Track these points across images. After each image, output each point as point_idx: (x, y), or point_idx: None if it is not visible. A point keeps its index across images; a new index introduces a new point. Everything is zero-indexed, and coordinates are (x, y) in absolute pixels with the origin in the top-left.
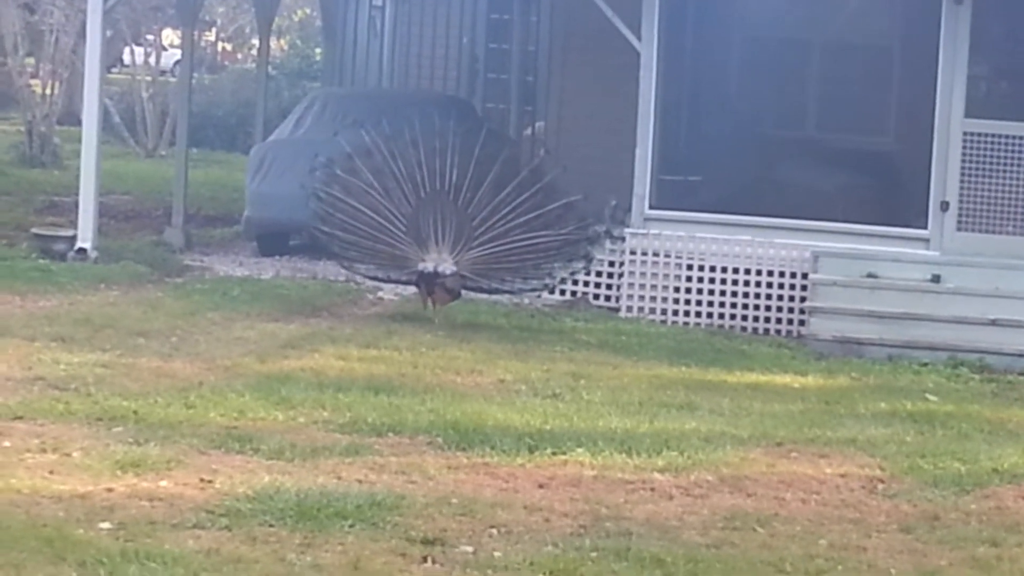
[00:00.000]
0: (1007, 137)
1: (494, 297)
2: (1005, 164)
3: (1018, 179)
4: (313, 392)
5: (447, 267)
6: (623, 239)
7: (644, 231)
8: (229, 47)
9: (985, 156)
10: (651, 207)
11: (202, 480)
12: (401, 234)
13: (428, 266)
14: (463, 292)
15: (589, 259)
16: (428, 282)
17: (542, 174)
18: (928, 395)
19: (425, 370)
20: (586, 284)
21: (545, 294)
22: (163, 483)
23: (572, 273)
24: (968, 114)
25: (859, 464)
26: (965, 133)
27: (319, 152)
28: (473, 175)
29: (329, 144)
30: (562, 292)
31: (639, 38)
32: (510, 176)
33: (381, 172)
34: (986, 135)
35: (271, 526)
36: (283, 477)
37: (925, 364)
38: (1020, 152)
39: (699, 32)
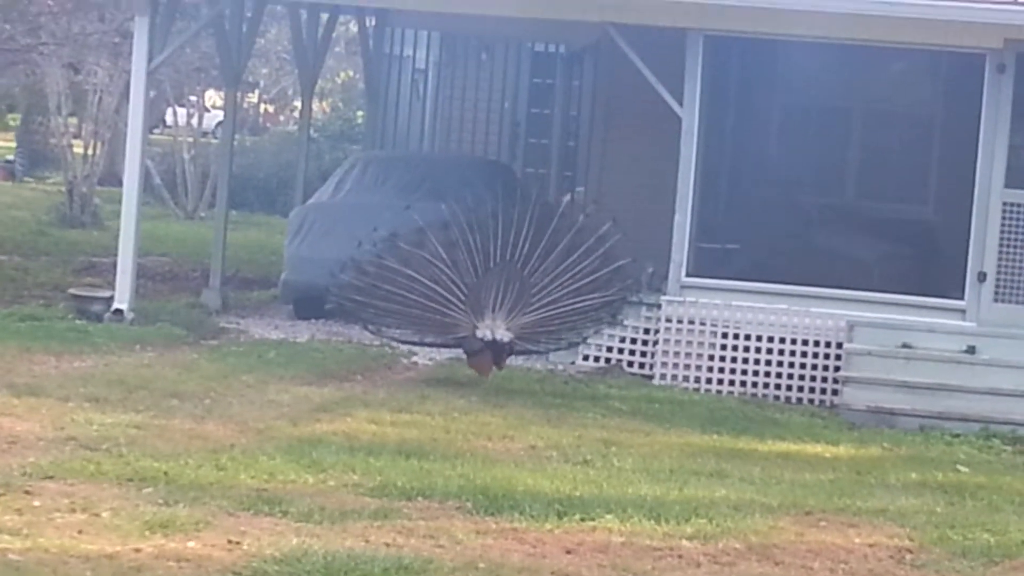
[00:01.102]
0: None
1: (528, 363)
2: None
3: None
4: (344, 456)
5: (503, 334)
6: (659, 306)
7: (680, 299)
8: (271, 109)
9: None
10: (688, 275)
11: (230, 542)
12: (458, 302)
13: (486, 333)
14: None
15: (616, 322)
16: (496, 351)
17: (605, 240)
18: (959, 466)
19: (457, 435)
20: (620, 351)
21: (579, 360)
22: (191, 544)
23: (597, 334)
24: (1008, 184)
25: (888, 534)
26: (1005, 203)
27: (377, 224)
28: (545, 245)
29: (393, 215)
30: (596, 359)
31: (681, 104)
32: (575, 243)
33: (454, 245)
34: None
35: None
36: (311, 540)
37: (957, 435)
38: None
39: (741, 98)
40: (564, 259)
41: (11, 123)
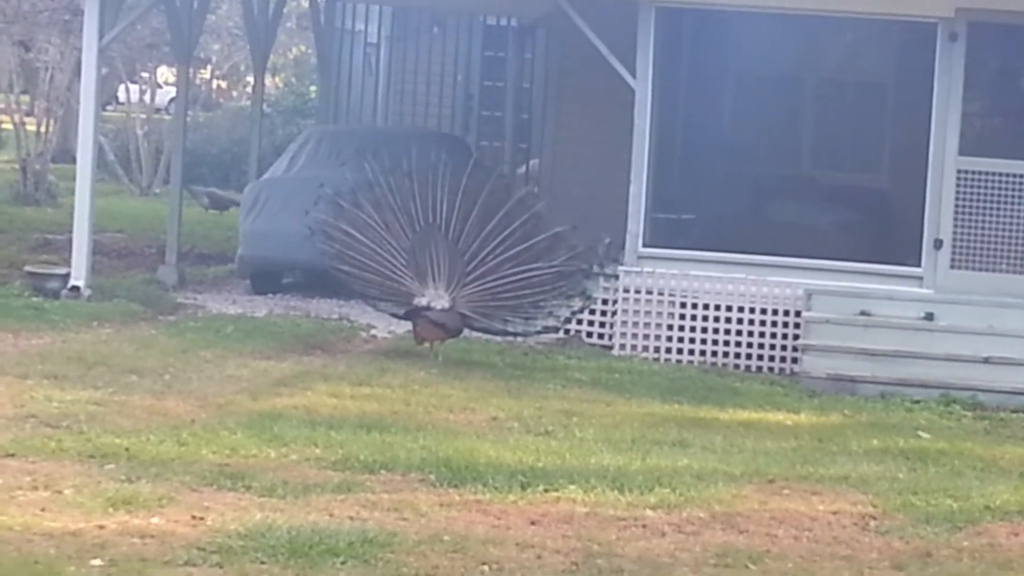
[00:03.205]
0: (1001, 175)
1: (487, 336)
2: (999, 202)
3: (1012, 217)
4: (305, 430)
5: (441, 303)
6: (617, 277)
7: (638, 269)
8: (224, 85)
9: (979, 194)
10: (645, 245)
11: (194, 517)
12: (403, 269)
13: (422, 300)
14: (467, 332)
15: (587, 296)
16: (414, 315)
17: (529, 205)
18: (920, 432)
19: (418, 407)
20: (579, 322)
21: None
22: (155, 520)
23: (573, 312)
24: (962, 152)
25: (851, 501)
26: (959, 171)
27: (324, 184)
28: (461, 207)
29: (334, 178)
30: (556, 330)
31: (634, 75)
32: (497, 208)
33: (381, 205)
34: (980, 173)
35: (263, 563)
36: (275, 514)
37: (918, 401)
38: (1014, 189)
39: (694, 69)
40: (484, 223)
41: None
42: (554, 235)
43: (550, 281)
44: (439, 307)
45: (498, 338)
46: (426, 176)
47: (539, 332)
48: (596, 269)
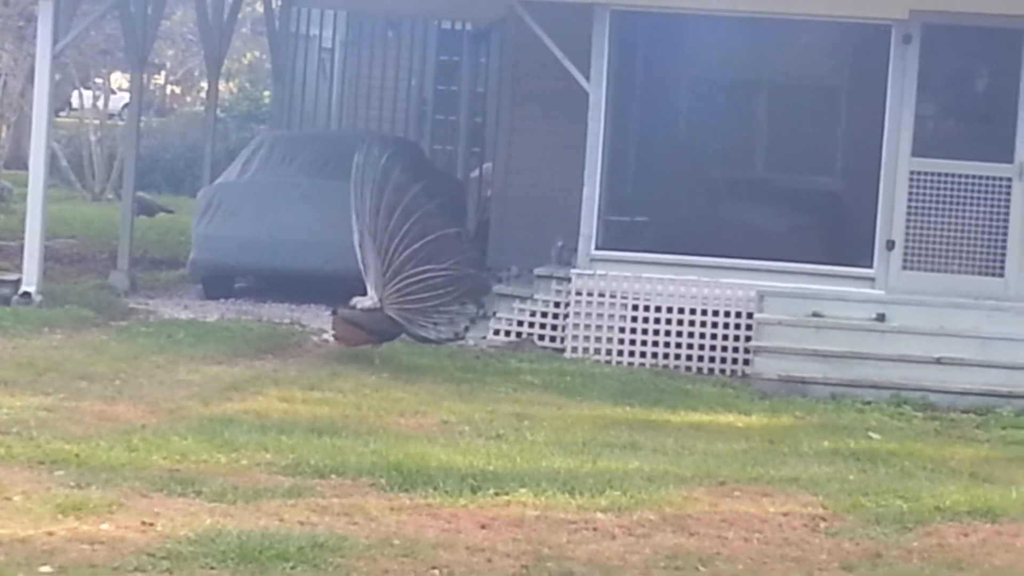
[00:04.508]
0: (953, 176)
1: (442, 340)
2: (951, 203)
3: (963, 217)
4: (256, 434)
5: (365, 303)
6: (568, 280)
7: (590, 271)
8: (178, 90)
9: (931, 195)
10: (597, 247)
11: (144, 523)
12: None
13: (352, 301)
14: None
15: (480, 304)
16: (358, 320)
17: (422, 203)
18: (871, 433)
19: (368, 412)
20: (531, 325)
21: (490, 335)
22: (104, 526)
23: (471, 320)
24: (915, 153)
25: (802, 503)
26: (912, 172)
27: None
28: (379, 206)
29: (298, 193)
30: (507, 333)
31: (588, 78)
32: (396, 206)
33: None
34: (933, 174)
35: (212, 568)
36: (225, 519)
37: (868, 403)
38: (965, 191)
39: (647, 72)
40: (388, 221)
41: None
42: (442, 236)
43: (442, 285)
44: (361, 307)
45: (447, 343)
46: (358, 176)
47: (444, 340)
48: (483, 275)
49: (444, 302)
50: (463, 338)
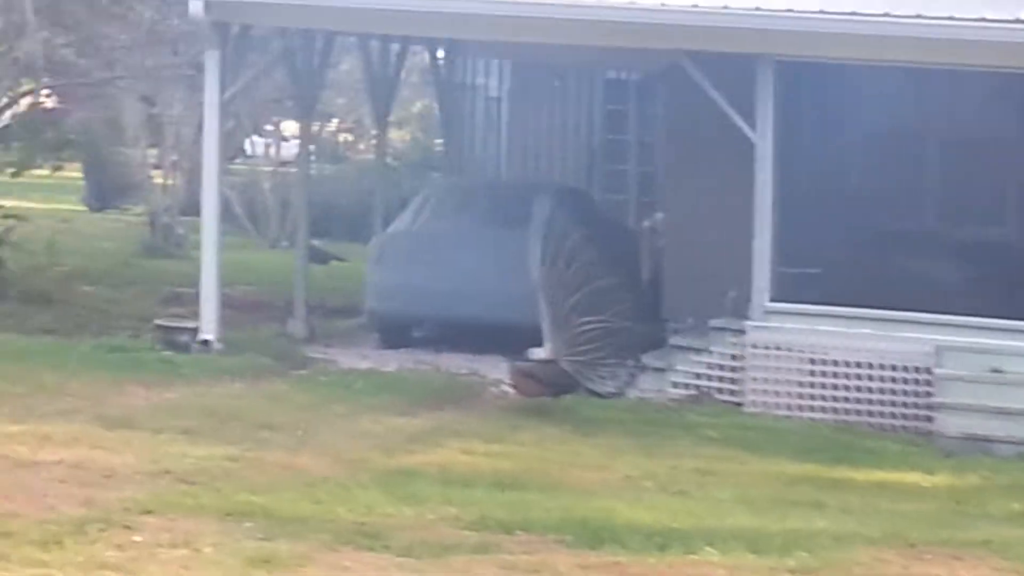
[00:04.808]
0: None
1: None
2: None
3: None
4: (439, 488)
5: (539, 353)
6: (743, 332)
7: (765, 324)
8: (351, 138)
9: None
10: (771, 299)
11: None
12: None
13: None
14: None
15: (637, 359)
16: (532, 373)
17: (579, 252)
18: None
19: (551, 465)
20: (709, 378)
21: (669, 388)
22: None
23: (631, 375)
24: None
25: (994, 567)
26: None
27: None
28: (549, 256)
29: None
30: (686, 386)
31: (754, 128)
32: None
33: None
34: None
35: None
36: (414, 574)
37: None
38: None
39: (815, 122)
40: (554, 272)
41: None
42: (601, 287)
43: (600, 337)
44: (536, 358)
45: (611, 398)
46: (534, 225)
47: (609, 394)
48: (639, 328)
49: (606, 354)
50: (623, 393)
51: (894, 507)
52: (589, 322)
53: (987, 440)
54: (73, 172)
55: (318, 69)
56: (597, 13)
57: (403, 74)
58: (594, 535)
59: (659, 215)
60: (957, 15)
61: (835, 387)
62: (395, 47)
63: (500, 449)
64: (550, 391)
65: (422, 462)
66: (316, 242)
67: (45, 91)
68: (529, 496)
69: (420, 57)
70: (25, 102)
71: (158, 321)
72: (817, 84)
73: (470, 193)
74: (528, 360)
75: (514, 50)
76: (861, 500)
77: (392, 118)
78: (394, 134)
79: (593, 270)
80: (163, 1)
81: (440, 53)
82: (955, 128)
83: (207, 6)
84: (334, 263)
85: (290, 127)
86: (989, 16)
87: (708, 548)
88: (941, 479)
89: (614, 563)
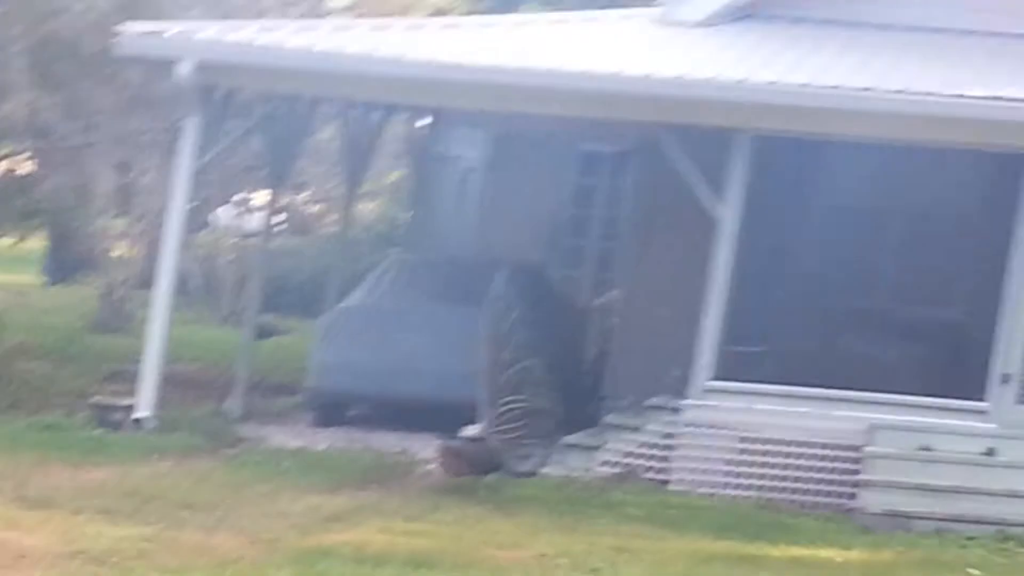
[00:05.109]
0: None
1: (545, 470)
2: None
3: None
4: (351, 567)
5: (471, 431)
6: (679, 411)
7: (702, 402)
8: (320, 209)
9: None
10: (713, 378)
11: None
12: None
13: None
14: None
15: (551, 441)
16: (458, 452)
17: (507, 330)
18: (971, 570)
19: (467, 544)
20: (639, 456)
21: (597, 467)
22: None
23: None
24: None
25: None
26: None
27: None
28: (489, 338)
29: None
30: (614, 464)
31: (721, 203)
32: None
33: None
34: None
35: None
36: None
37: (972, 538)
38: None
39: (775, 198)
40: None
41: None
42: (523, 368)
43: (520, 417)
44: (467, 435)
45: (554, 472)
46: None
47: (524, 474)
48: (556, 411)
49: (523, 434)
50: (536, 473)
51: None
52: (511, 401)
53: (908, 516)
54: (38, 241)
55: (296, 137)
56: (582, 82)
57: (381, 144)
58: None
59: (614, 292)
60: (936, 91)
61: (763, 465)
62: (376, 116)
63: (419, 528)
64: (477, 470)
65: (338, 541)
66: (268, 317)
67: (22, 155)
68: (441, 574)
69: (401, 127)
70: (1, 166)
71: (93, 399)
72: (786, 160)
73: (423, 269)
74: (459, 438)
75: (496, 120)
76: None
77: (365, 189)
78: (365, 206)
79: (524, 350)
80: (151, 63)
81: (420, 122)
82: (912, 205)
83: (197, 68)
84: (275, 339)
85: (260, 197)
86: (967, 93)
87: None
88: (855, 555)
89: None
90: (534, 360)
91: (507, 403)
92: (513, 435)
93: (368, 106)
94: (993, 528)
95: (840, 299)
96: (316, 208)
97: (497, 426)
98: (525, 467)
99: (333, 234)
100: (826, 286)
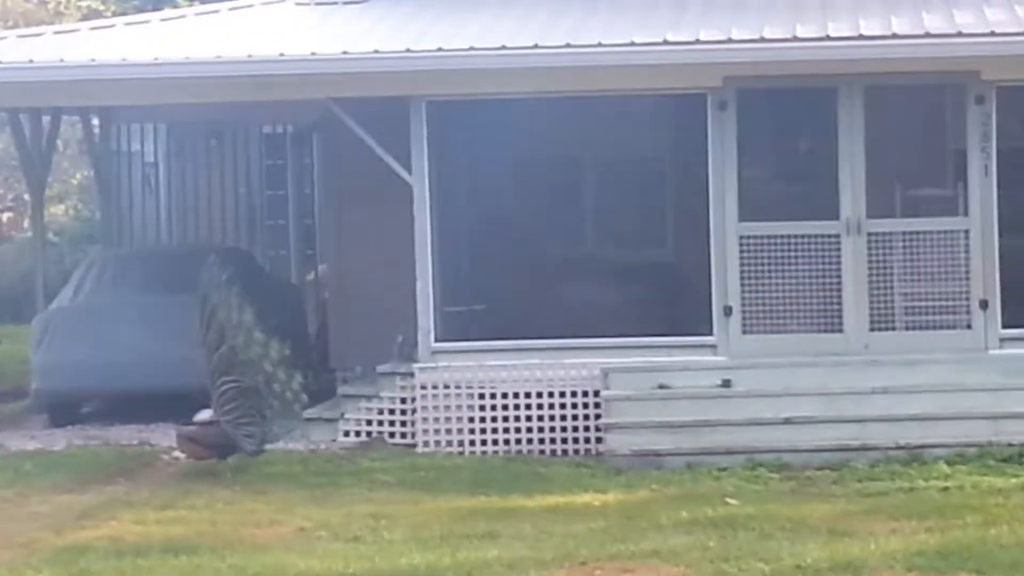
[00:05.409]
0: (782, 237)
1: (290, 446)
2: (783, 264)
3: (797, 277)
4: (112, 560)
5: (203, 415)
6: (412, 375)
7: (432, 364)
8: (11, 216)
9: (763, 258)
10: (437, 340)
11: None
12: None
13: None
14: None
15: (263, 416)
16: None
17: (212, 313)
18: (728, 499)
19: (223, 526)
20: (380, 423)
21: (340, 437)
22: None
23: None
24: (742, 217)
25: (664, 575)
26: (741, 237)
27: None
28: (202, 321)
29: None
30: (357, 434)
31: (410, 172)
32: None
33: None
34: (762, 237)
35: None
36: None
37: (724, 469)
38: (796, 250)
39: (469, 160)
40: (204, 335)
41: None
42: (229, 349)
43: (235, 397)
44: (199, 420)
45: (300, 447)
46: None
47: (253, 453)
48: (261, 389)
49: (241, 413)
50: (262, 451)
51: (566, 529)
52: (225, 382)
53: (657, 455)
54: None
55: None
56: (246, 68)
57: (60, 145)
58: None
59: (323, 267)
60: (606, 41)
61: (505, 419)
62: (47, 119)
63: (172, 515)
64: (215, 453)
65: (93, 536)
66: None
67: None
68: (201, 559)
69: (75, 127)
70: None
71: None
72: (470, 121)
73: (127, 263)
74: (193, 423)
75: (168, 113)
76: (533, 526)
77: (51, 192)
78: (56, 208)
79: (229, 330)
80: None
81: (95, 122)
82: (606, 153)
83: None
84: None
85: None
86: (638, 40)
87: None
88: (612, 497)
89: None
90: (244, 339)
91: (221, 384)
92: (232, 415)
93: (35, 110)
94: (743, 457)
95: (552, 251)
96: (5, 216)
97: (221, 408)
98: (249, 446)
99: (28, 239)
100: (537, 240)
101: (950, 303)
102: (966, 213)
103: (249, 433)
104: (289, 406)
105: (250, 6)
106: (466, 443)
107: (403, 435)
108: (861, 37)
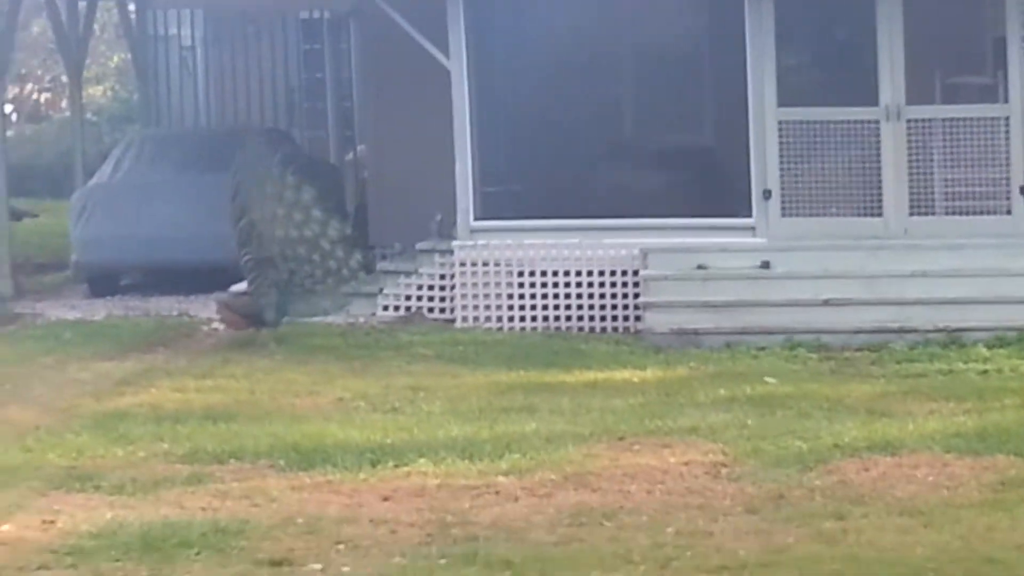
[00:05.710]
0: (820, 123)
1: (330, 318)
2: (822, 148)
3: (836, 162)
4: (151, 426)
5: (240, 286)
6: (451, 252)
7: (471, 242)
8: (50, 96)
9: (802, 142)
10: (476, 219)
11: (44, 522)
12: None
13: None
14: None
15: (279, 289)
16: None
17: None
18: (767, 378)
19: (262, 395)
20: (419, 299)
21: (380, 312)
22: (5, 527)
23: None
24: (781, 103)
25: (702, 451)
26: (780, 121)
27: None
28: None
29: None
30: (396, 308)
31: (447, 55)
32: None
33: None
34: (800, 122)
35: (117, 560)
36: (126, 512)
37: (762, 348)
38: (835, 136)
39: (509, 43)
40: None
41: None
42: (249, 223)
43: (255, 268)
44: (237, 290)
45: (340, 320)
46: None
47: (272, 324)
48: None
49: (261, 284)
50: (280, 323)
51: (605, 404)
52: (247, 253)
53: (696, 333)
54: None
55: (5, 31)
56: None
57: (97, 29)
58: (305, 458)
59: (361, 148)
60: None
61: (544, 297)
62: (83, 4)
63: (211, 384)
64: (250, 322)
65: (133, 403)
66: (19, 201)
67: None
68: (240, 426)
69: (112, 12)
70: None
71: None
72: (507, 4)
73: (168, 142)
74: (229, 293)
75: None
76: (572, 401)
77: (89, 74)
78: (93, 89)
79: (254, 204)
80: None
81: (131, 6)
82: (647, 38)
83: None
84: (28, 220)
85: None
86: None
87: (421, 460)
88: (650, 374)
89: (326, 482)
90: (303, 217)
91: (243, 256)
92: (251, 286)
93: None
94: (781, 337)
95: (591, 133)
96: (43, 97)
97: (249, 280)
98: (269, 315)
99: (67, 119)
100: (576, 123)
101: (990, 188)
102: (1006, 100)
103: (268, 304)
104: (346, 283)
105: None
106: (505, 319)
107: (442, 311)
108: None
